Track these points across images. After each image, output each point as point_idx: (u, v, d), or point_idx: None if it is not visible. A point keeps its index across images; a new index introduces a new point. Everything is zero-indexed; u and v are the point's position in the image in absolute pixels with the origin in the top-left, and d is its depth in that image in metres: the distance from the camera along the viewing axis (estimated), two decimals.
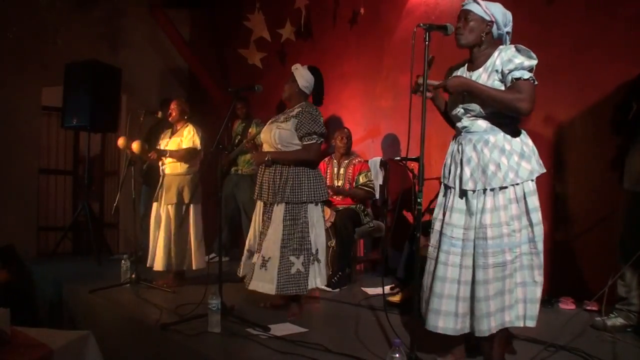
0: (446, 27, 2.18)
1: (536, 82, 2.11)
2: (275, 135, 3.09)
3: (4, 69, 5.55)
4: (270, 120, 3.29)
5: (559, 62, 3.57)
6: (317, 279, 3.12)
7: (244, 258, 3.25)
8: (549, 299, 3.37)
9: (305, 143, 3.08)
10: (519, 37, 2.29)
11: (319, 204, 3.17)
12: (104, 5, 6.27)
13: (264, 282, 3.02)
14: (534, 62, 2.09)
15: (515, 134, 2.17)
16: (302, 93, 3.22)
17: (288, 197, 3.04)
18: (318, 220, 3.14)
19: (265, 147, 3.21)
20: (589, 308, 3.07)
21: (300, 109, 3.14)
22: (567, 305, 3.37)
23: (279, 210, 3.06)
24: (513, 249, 2.10)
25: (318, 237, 3.13)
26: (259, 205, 3.22)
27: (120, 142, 3.99)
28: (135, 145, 3.84)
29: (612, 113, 3.01)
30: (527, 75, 2.07)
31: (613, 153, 2.96)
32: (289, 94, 3.23)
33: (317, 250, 3.11)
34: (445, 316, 2.16)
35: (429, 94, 2.20)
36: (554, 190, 3.67)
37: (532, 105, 2.07)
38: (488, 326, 2.09)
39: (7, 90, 5.55)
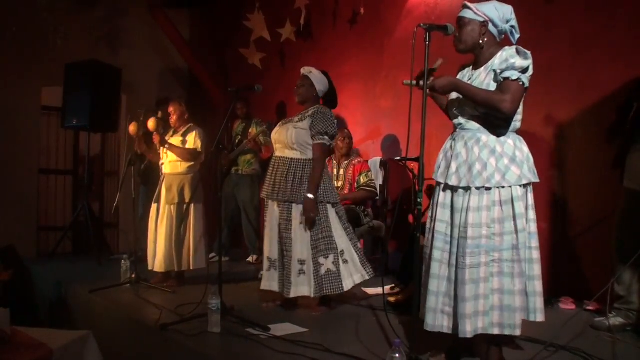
0: (447, 27, 2.18)
1: (526, 85, 2.07)
2: (292, 134, 3.10)
3: (4, 69, 5.55)
4: (282, 122, 3.30)
5: (559, 62, 3.57)
6: (355, 276, 3.15)
7: (265, 269, 3.22)
8: (549, 299, 3.36)
9: (314, 142, 3.10)
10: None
11: (334, 206, 3.17)
12: (104, 5, 6.28)
13: (303, 287, 3.05)
14: (527, 62, 2.06)
15: (509, 137, 2.13)
16: (318, 97, 3.26)
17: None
18: (334, 221, 3.15)
19: (279, 147, 3.20)
20: (589, 308, 3.07)
21: (315, 109, 3.18)
22: (567, 305, 3.37)
23: (299, 211, 3.07)
24: (490, 252, 2.06)
25: (340, 238, 3.15)
26: (273, 206, 3.18)
27: (132, 128, 4.00)
28: (151, 123, 3.88)
29: (613, 118, 2.98)
30: (515, 75, 2.04)
31: (613, 152, 2.96)
32: (304, 97, 3.24)
33: (342, 251, 3.14)
34: (437, 313, 2.15)
35: (428, 91, 2.18)
36: (554, 190, 3.68)
37: (514, 106, 2.05)
38: (464, 328, 2.05)
39: (7, 90, 5.55)
